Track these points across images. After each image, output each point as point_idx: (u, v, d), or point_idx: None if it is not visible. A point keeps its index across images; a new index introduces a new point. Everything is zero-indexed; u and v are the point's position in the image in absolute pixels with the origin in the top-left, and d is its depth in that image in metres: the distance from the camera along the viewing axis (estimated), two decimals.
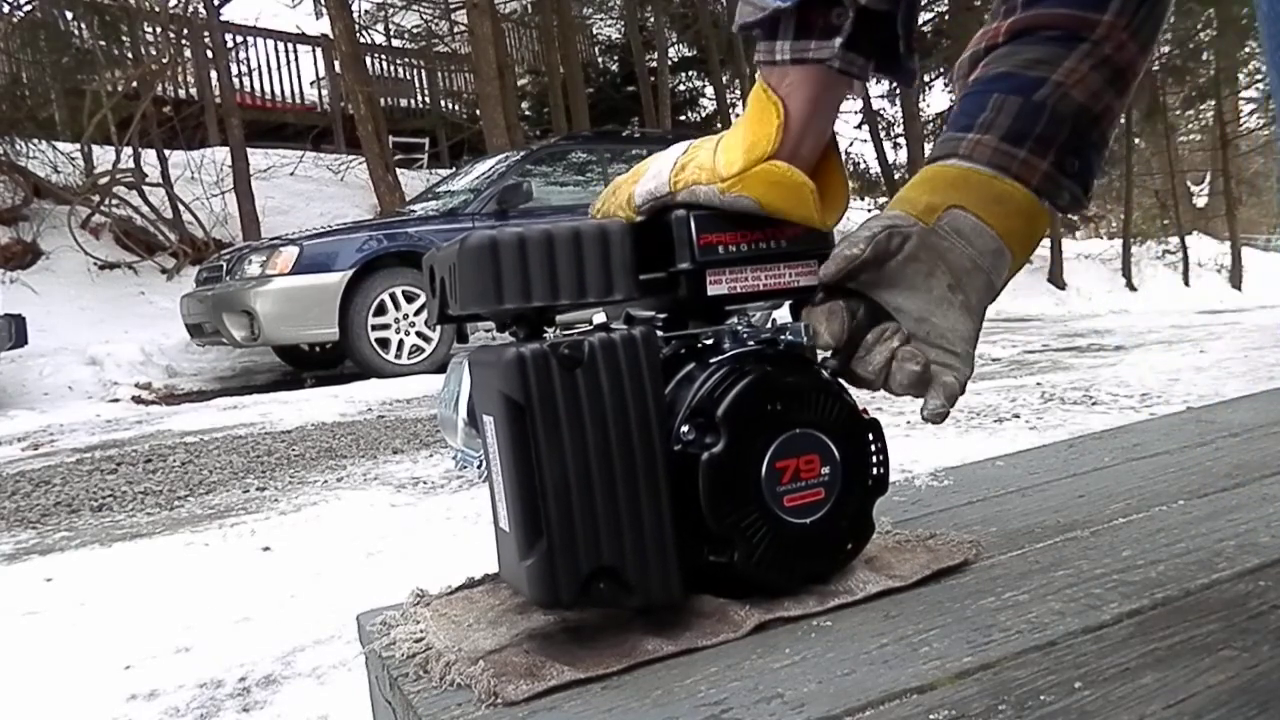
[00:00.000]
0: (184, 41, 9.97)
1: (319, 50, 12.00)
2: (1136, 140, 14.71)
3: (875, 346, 0.65)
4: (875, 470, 0.66)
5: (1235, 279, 14.80)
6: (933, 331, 0.65)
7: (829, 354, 0.67)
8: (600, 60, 15.36)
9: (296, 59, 12.02)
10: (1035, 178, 0.67)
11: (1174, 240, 14.77)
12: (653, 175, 0.69)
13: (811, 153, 0.65)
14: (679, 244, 0.65)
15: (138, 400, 5.62)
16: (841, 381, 0.66)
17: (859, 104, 14.18)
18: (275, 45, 11.86)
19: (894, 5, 0.62)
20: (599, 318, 0.70)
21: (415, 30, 13.26)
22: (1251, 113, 17.06)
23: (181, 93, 10.48)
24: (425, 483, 2.48)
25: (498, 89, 9.08)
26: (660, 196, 0.67)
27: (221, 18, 10.18)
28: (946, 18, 13.25)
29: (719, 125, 14.20)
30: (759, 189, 0.63)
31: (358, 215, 9.00)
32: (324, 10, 10.31)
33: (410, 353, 5.67)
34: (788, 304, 0.70)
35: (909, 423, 2.81)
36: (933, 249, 0.65)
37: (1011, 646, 0.54)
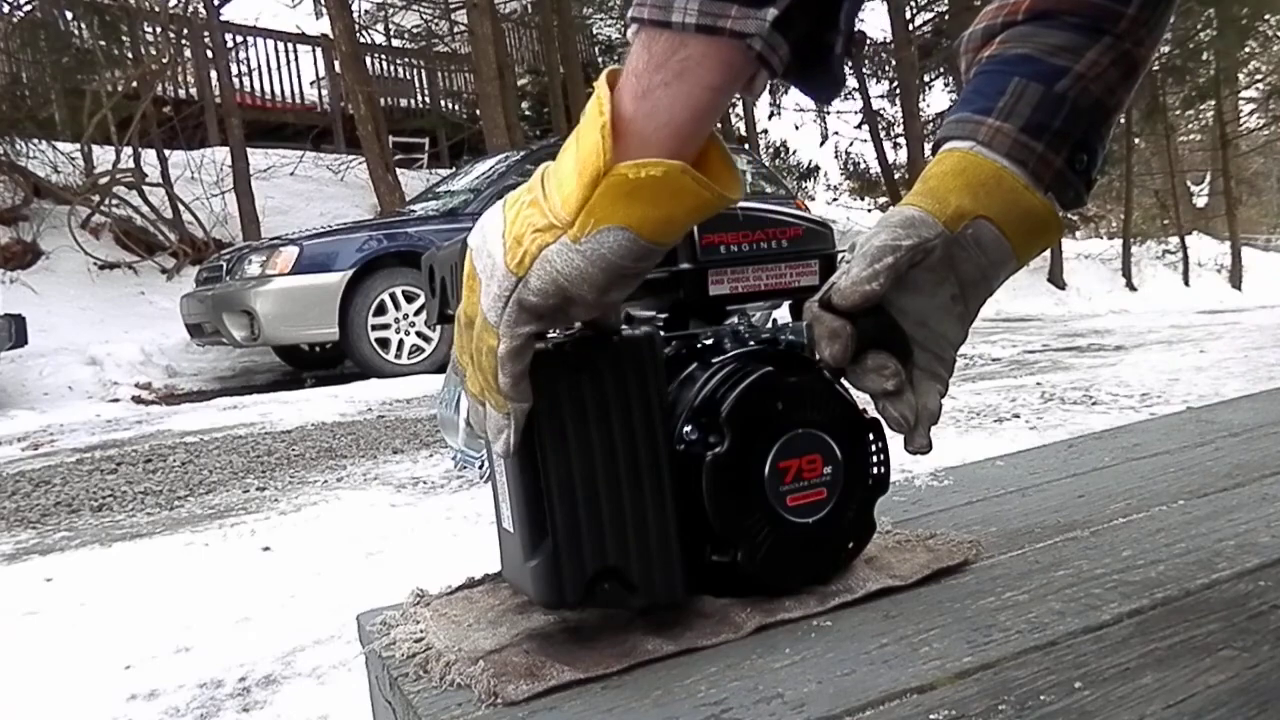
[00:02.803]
0: (184, 41, 9.98)
1: (319, 50, 11.99)
2: (1136, 140, 14.70)
3: (869, 374, 0.63)
4: (876, 470, 0.66)
5: (1235, 279, 14.79)
6: (929, 337, 0.65)
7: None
8: (600, 60, 15.35)
9: (296, 59, 12.01)
10: (1049, 174, 0.66)
11: (1174, 240, 14.77)
12: (487, 274, 0.52)
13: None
14: (680, 243, 0.65)
15: (138, 400, 5.62)
16: (842, 381, 0.66)
17: (859, 104, 14.17)
18: (275, 45, 11.85)
19: None
20: None
21: (415, 30, 13.25)
22: (1251, 113, 17.08)
23: (181, 93, 10.48)
24: (425, 483, 2.48)
25: (498, 89, 9.08)
26: (510, 295, 0.51)
27: (221, 18, 10.18)
28: (946, 18, 13.24)
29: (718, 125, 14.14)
30: (619, 212, 0.48)
31: (358, 215, 9.00)
32: (324, 10, 10.31)
33: (410, 353, 5.67)
34: (787, 303, 0.70)
35: None
36: (949, 259, 0.64)
37: (1011, 646, 0.54)
